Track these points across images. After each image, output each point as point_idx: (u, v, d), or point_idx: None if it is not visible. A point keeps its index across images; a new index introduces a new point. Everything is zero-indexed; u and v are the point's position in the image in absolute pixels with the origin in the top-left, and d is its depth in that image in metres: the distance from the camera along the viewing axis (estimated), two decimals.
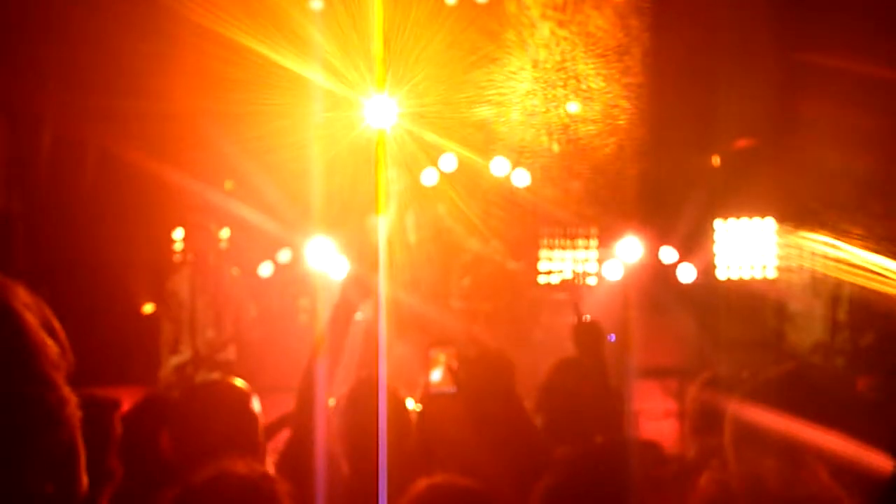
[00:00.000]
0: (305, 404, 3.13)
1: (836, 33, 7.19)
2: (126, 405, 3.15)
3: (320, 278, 7.48)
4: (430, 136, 5.73)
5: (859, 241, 6.89)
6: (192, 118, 7.72)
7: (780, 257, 8.94)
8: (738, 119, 8.49)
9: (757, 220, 9.01)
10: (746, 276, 9.04)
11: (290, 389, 3.28)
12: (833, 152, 7.65)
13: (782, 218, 8.80)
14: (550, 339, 7.71)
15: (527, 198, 8.02)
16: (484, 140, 6.12)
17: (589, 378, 4.32)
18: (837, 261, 7.28)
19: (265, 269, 9.11)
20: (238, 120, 6.09)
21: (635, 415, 6.52)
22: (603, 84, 5.14)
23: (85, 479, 1.52)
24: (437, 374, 4.11)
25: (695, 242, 8.87)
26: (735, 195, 8.85)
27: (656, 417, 7.59)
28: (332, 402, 3.66)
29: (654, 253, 8.61)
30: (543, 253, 8.88)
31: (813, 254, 8.18)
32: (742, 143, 8.83)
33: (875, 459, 2.13)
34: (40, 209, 8.58)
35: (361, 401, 3.40)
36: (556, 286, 8.93)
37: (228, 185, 8.85)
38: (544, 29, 5.26)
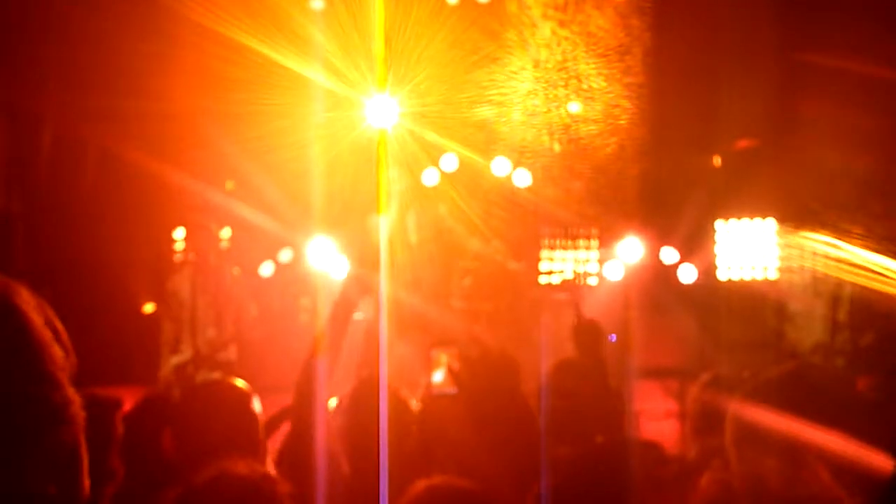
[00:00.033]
0: (304, 400, 3.12)
1: (837, 33, 7.19)
2: (127, 405, 3.15)
3: (321, 278, 7.48)
4: (432, 136, 5.72)
5: (860, 241, 6.88)
6: (192, 118, 7.72)
7: (781, 258, 8.94)
8: (739, 119, 8.48)
9: (758, 220, 9.01)
10: (747, 277, 9.04)
11: (291, 389, 3.28)
12: (834, 152, 7.65)
13: (783, 218, 8.80)
14: (551, 339, 7.71)
15: (528, 198, 8.02)
16: (485, 140, 6.12)
17: (589, 378, 4.32)
18: (838, 261, 7.28)
19: (266, 269, 9.12)
20: (239, 120, 6.08)
21: (636, 415, 6.52)
22: (604, 84, 5.14)
23: (87, 480, 1.52)
24: (438, 375, 4.11)
25: (696, 243, 8.87)
26: (736, 196, 8.85)
27: (657, 418, 7.59)
28: (334, 401, 3.66)
29: (654, 253, 8.61)
30: (544, 253, 8.88)
31: (814, 254, 8.18)
32: (743, 143, 8.84)
33: (876, 459, 2.13)
34: (40, 209, 8.58)
35: (363, 401, 3.40)
36: (556, 286, 8.93)
37: (229, 184, 8.86)
38: (545, 29, 5.26)
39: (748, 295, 8.99)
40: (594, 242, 8.95)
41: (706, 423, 3.52)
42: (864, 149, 7.56)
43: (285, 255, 9.02)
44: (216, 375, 6.51)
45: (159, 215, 8.92)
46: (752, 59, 7.96)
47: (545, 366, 4.38)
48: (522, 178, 8.04)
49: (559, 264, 8.96)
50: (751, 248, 9.02)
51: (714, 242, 9.05)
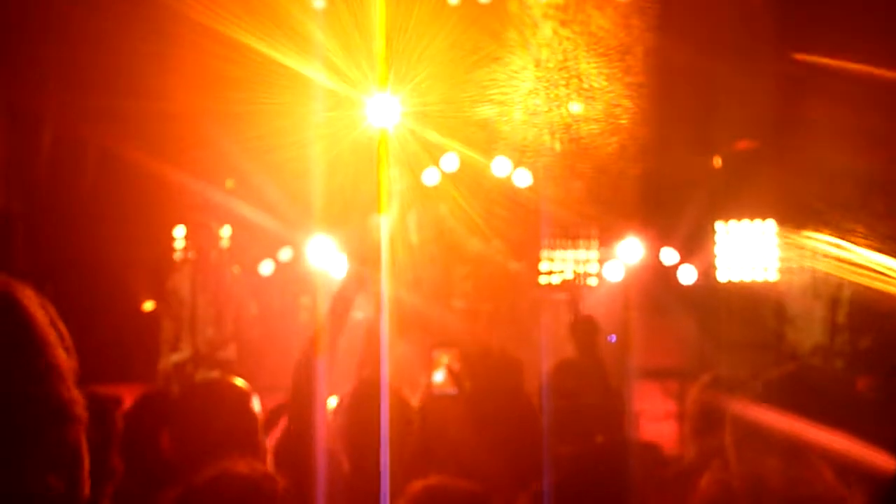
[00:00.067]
0: (301, 396, 3.13)
1: (839, 33, 7.18)
2: (126, 403, 3.14)
3: (321, 277, 7.47)
4: (433, 136, 5.72)
5: (862, 241, 6.88)
6: (192, 117, 7.71)
7: (781, 259, 8.93)
8: (740, 120, 8.48)
9: (758, 221, 9.01)
10: (747, 278, 9.04)
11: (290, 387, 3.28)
12: (835, 153, 7.64)
13: (783, 219, 8.79)
14: (551, 339, 7.71)
15: (529, 197, 8.02)
16: (486, 139, 6.12)
17: (589, 378, 4.32)
18: (840, 261, 7.27)
19: (266, 268, 9.12)
20: (239, 119, 6.08)
21: (636, 416, 6.52)
22: (605, 83, 5.13)
23: (88, 479, 1.52)
24: (439, 376, 4.11)
25: (695, 244, 8.86)
26: (736, 196, 8.84)
27: (657, 418, 7.59)
28: (334, 400, 3.66)
29: (654, 254, 8.61)
30: (545, 253, 8.88)
31: (815, 254, 8.17)
32: (743, 144, 8.83)
33: (879, 459, 2.13)
34: (40, 209, 8.57)
35: (364, 400, 3.39)
36: (557, 286, 8.94)
37: (229, 183, 8.86)
38: (546, 28, 5.26)
39: (748, 296, 8.98)
40: (594, 243, 8.95)
41: (706, 423, 3.52)
42: (865, 149, 7.56)
43: (285, 254, 9.02)
44: (215, 374, 6.51)
45: (159, 214, 8.92)
46: (752, 59, 7.95)
47: (546, 366, 4.38)
48: (523, 178, 8.04)
49: (559, 264, 8.96)
50: (751, 250, 9.02)
51: (714, 243, 9.05)
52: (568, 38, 5.20)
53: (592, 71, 5.16)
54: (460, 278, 7.80)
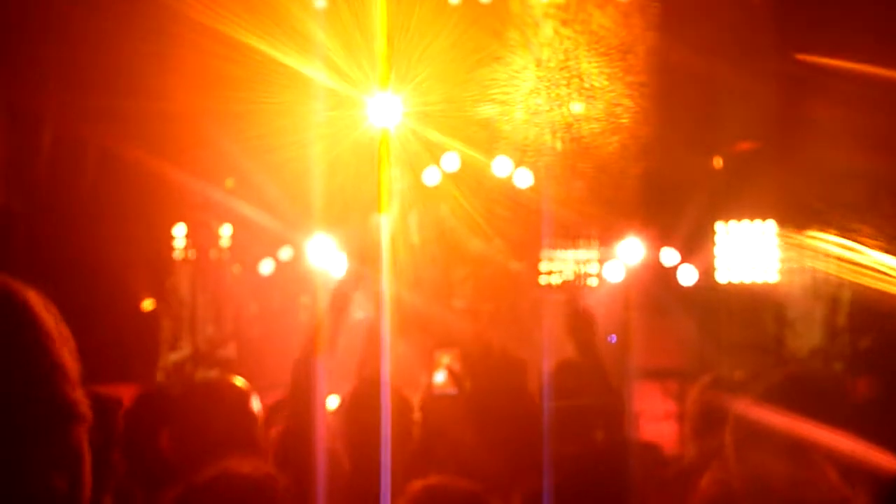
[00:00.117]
0: (301, 393, 3.12)
1: (841, 34, 7.18)
2: (126, 403, 3.14)
3: (321, 276, 7.47)
4: (434, 135, 5.72)
5: (864, 241, 6.88)
6: (193, 117, 7.71)
7: (782, 260, 8.93)
8: (741, 120, 8.47)
9: (758, 222, 9.00)
10: (747, 279, 9.03)
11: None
12: (836, 153, 7.64)
13: (784, 220, 8.79)
14: (552, 339, 7.70)
15: (530, 197, 8.01)
16: (487, 139, 6.12)
17: (589, 377, 4.30)
18: (841, 261, 7.27)
19: (266, 267, 9.10)
20: (240, 118, 6.08)
21: (636, 416, 6.51)
22: (606, 83, 5.13)
23: (90, 480, 1.52)
24: (440, 376, 4.10)
25: (696, 244, 8.86)
26: (737, 197, 8.84)
27: (656, 419, 7.59)
28: (335, 400, 3.65)
29: (655, 254, 8.61)
30: (545, 253, 8.88)
31: (816, 255, 8.17)
32: (744, 144, 8.83)
33: (882, 459, 2.12)
34: (40, 209, 8.57)
35: (364, 400, 3.39)
36: (557, 287, 8.93)
37: (230, 183, 8.85)
38: (547, 28, 5.26)
39: (748, 297, 8.98)
40: (595, 243, 8.95)
41: (705, 424, 3.52)
42: (867, 149, 7.55)
43: (285, 253, 9.01)
44: (214, 373, 6.51)
45: (159, 213, 8.91)
46: (754, 59, 7.95)
47: (546, 366, 4.37)
48: (524, 178, 8.04)
49: (560, 265, 8.95)
50: (751, 250, 9.02)
51: (714, 244, 9.05)
52: (569, 38, 5.20)
53: (593, 70, 5.16)
54: (461, 278, 7.80)
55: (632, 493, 2.83)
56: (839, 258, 7.32)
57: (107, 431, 2.70)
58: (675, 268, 8.82)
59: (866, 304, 7.45)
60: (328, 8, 6.50)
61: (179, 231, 9.17)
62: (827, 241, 7.50)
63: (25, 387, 1.42)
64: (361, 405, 3.40)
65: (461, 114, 5.37)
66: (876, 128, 7.25)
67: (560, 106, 5.26)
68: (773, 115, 8.29)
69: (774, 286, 9.01)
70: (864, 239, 6.85)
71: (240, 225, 8.78)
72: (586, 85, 5.19)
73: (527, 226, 8.42)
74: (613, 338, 7.60)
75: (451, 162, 7.78)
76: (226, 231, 8.74)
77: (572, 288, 8.77)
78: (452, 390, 4.13)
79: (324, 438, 3.09)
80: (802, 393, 2.38)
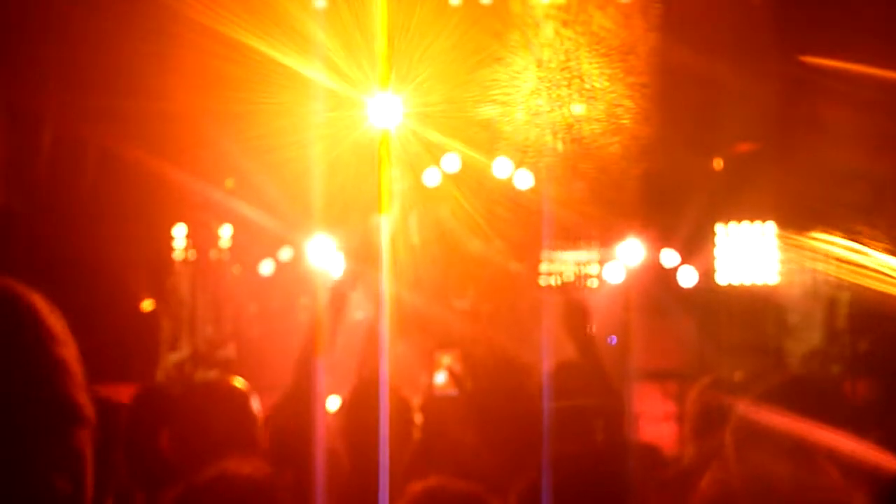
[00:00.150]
0: (301, 392, 3.12)
1: (841, 34, 7.18)
2: (126, 403, 3.14)
3: (321, 277, 7.47)
4: (435, 136, 5.72)
5: (864, 243, 6.88)
6: (193, 117, 7.70)
7: (782, 261, 8.93)
8: (742, 121, 8.47)
9: (758, 223, 9.00)
10: (747, 281, 9.03)
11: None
12: (836, 154, 7.64)
13: (784, 222, 8.79)
14: (552, 340, 7.70)
15: (530, 198, 8.01)
16: (488, 140, 6.12)
17: (589, 377, 4.30)
18: (841, 263, 7.27)
19: (266, 267, 9.10)
20: (240, 118, 6.07)
21: (635, 417, 6.51)
22: (607, 84, 5.13)
23: (93, 483, 1.52)
24: (440, 377, 4.10)
25: (696, 245, 8.86)
26: (737, 198, 8.84)
27: (656, 420, 7.59)
28: (335, 400, 3.65)
29: (655, 256, 8.61)
30: (546, 254, 8.88)
31: (815, 257, 8.17)
32: (745, 146, 8.83)
33: (884, 460, 2.12)
34: (40, 209, 8.56)
35: (364, 400, 3.39)
36: (557, 287, 8.93)
37: (230, 183, 8.85)
38: (548, 29, 5.25)
39: (748, 298, 8.98)
40: (595, 244, 8.95)
41: (705, 425, 3.52)
42: (867, 150, 7.55)
43: (285, 254, 9.01)
44: (214, 373, 6.51)
45: (159, 214, 8.91)
46: (755, 60, 7.95)
47: (546, 367, 4.37)
48: (525, 179, 8.05)
49: (560, 266, 8.96)
50: (751, 252, 9.02)
51: (714, 245, 9.05)
52: (570, 39, 5.19)
53: (594, 71, 5.15)
54: (461, 279, 7.79)
55: (631, 493, 2.82)
56: (839, 260, 7.32)
57: (109, 433, 2.70)
58: (675, 269, 8.82)
59: (866, 306, 7.45)
60: (328, 8, 6.49)
61: (179, 231, 9.16)
62: (827, 243, 7.50)
63: (31, 389, 1.43)
64: (361, 405, 3.40)
65: (462, 114, 5.37)
66: (876, 129, 7.26)
67: (561, 107, 5.25)
68: (773, 117, 8.29)
69: (774, 288, 9.00)
70: (864, 240, 6.84)
71: (240, 225, 8.78)
72: (587, 86, 5.19)
73: (527, 227, 8.42)
74: (614, 339, 7.60)
75: (452, 163, 7.78)
76: (226, 231, 8.73)
77: (568, 286, 8.78)
78: (453, 391, 4.13)
79: (324, 438, 3.09)
80: (802, 395, 2.38)
